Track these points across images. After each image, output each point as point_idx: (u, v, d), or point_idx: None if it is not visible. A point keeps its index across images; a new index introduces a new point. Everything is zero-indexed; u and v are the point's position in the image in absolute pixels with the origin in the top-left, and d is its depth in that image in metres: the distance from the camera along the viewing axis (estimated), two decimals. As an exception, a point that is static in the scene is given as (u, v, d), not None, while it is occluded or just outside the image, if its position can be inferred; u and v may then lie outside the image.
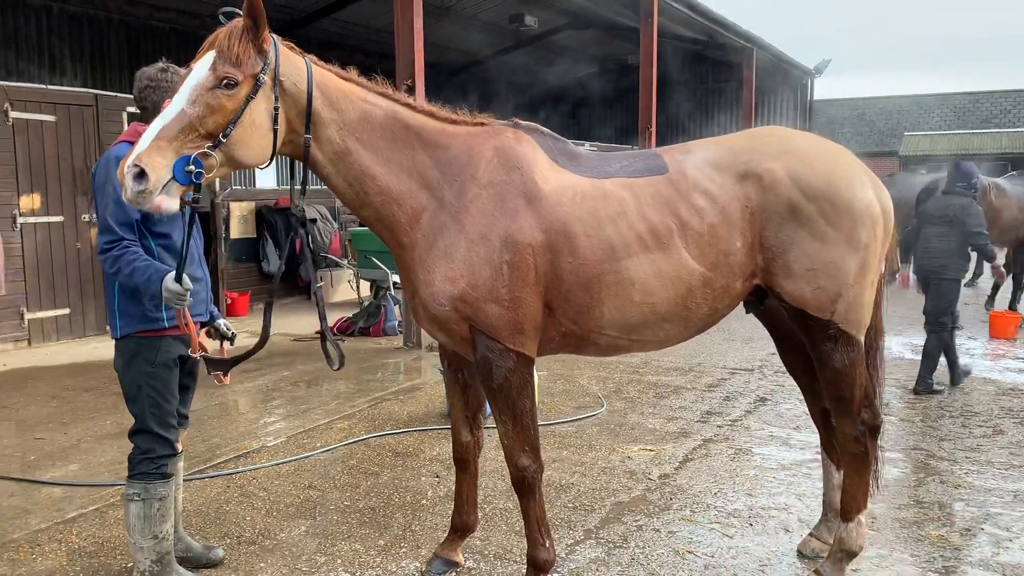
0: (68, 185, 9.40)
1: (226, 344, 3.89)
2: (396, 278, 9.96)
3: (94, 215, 9.39)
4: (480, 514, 4.07)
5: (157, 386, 3.46)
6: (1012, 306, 10.92)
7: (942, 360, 7.13)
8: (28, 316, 9.08)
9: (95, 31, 14.34)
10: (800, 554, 3.93)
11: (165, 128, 2.72)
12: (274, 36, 2.95)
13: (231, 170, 2.99)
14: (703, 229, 3.22)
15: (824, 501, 3.96)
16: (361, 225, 12.85)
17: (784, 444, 5.64)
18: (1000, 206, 10.07)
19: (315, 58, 3.12)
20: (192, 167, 2.68)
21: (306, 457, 5.38)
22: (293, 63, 2.99)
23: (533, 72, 22.86)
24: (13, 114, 8.81)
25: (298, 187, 3.14)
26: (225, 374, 3.53)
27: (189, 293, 3.21)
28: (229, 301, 11.14)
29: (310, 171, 3.14)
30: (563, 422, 6.13)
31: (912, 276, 8.24)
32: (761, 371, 7.92)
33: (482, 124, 3.33)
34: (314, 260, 3.38)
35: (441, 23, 17.04)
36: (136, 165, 2.63)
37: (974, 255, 8.25)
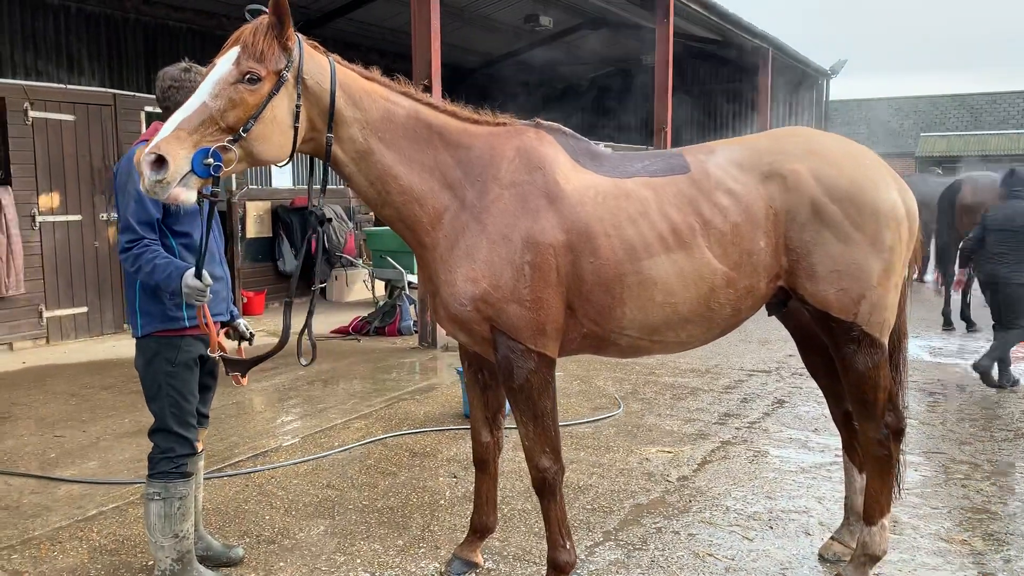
0: (87, 184, 9.46)
1: (244, 344, 3.90)
2: (411, 278, 9.97)
3: (113, 214, 9.47)
4: (498, 515, 4.06)
5: (177, 385, 3.47)
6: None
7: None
8: (47, 314, 9.14)
9: (112, 31, 14.42)
10: (821, 558, 3.90)
11: (186, 120, 2.73)
12: (299, 35, 2.96)
13: (249, 165, 2.99)
14: (726, 228, 3.20)
15: (846, 505, 3.93)
16: (376, 225, 12.90)
17: (803, 446, 5.61)
18: None
19: (339, 57, 3.12)
20: (211, 160, 2.69)
21: (324, 456, 5.39)
22: (317, 62, 3.00)
23: (548, 72, 22.85)
24: (33, 113, 8.87)
25: (317, 186, 3.15)
26: (243, 375, 3.54)
27: (209, 290, 3.22)
28: (245, 300, 11.19)
29: (330, 170, 3.14)
30: (580, 423, 6.12)
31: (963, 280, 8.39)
32: (778, 373, 7.87)
33: (504, 124, 3.32)
34: (327, 260, 3.39)
35: (456, 23, 17.04)
36: (154, 153, 2.64)
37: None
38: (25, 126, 8.82)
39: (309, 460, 5.32)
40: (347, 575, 3.77)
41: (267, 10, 2.86)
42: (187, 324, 3.45)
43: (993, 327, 7.46)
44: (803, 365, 4.07)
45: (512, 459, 5.13)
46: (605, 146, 3.47)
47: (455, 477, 5.01)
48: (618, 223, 3.16)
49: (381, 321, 9.98)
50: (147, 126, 9.67)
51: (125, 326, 9.77)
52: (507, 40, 20.01)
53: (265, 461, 5.31)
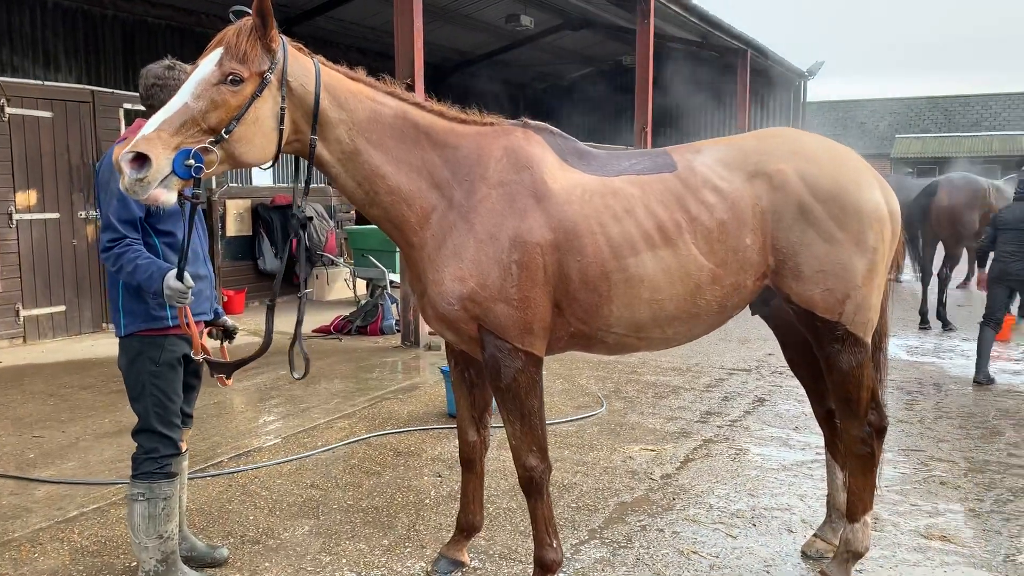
0: (64, 182, 9.35)
1: (227, 344, 3.88)
2: (393, 276, 9.94)
3: (91, 212, 9.38)
4: (484, 514, 4.07)
5: (161, 385, 3.44)
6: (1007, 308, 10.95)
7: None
8: (24, 313, 9.02)
9: (90, 27, 14.25)
10: (804, 555, 3.94)
11: (167, 121, 2.71)
12: (283, 36, 2.95)
13: (232, 167, 2.98)
14: (712, 225, 3.23)
15: (828, 502, 3.97)
16: (358, 223, 12.86)
17: (784, 444, 5.66)
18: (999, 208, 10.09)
19: (323, 59, 3.12)
20: (192, 161, 2.68)
21: (307, 456, 5.37)
22: (301, 64, 2.99)
23: (529, 72, 22.85)
24: (10, 110, 8.75)
25: (301, 186, 3.14)
26: (228, 377, 3.52)
27: (192, 291, 3.19)
28: (225, 299, 11.11)
29: (315, 170, 3.13)
30: (564, 422, 6.13)
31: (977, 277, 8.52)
32: (759, 371, 7.94)
33: (491, 124, 3.33)
34: (308, 259, 3.38)
35: (437, 22, 17.01)
36: (134, 151, 2.62)
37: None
38: (2, 122, 8.70)
39: (293, 460, 5.29)
40: (333, 575, 3.76)
41: (250, 12, 2.85)
42: (171, 323, 3.43)
43: (981, 324, 7.69)
44: (783, 363, 4.12)
45: (497, 457, 5.13)
46: (586, 146, 3.48)
47: (440, 476, 5.01)
48: (605, 221, 3.17)
49: (363, 320, 9.95)
50: (126, 123, 9.61)
51: (104, 325, 9.67)
52: (488, 39, 20.01)
53: (248, 461, 5.28)
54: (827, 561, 3.72)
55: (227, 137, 2.77)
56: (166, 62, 3.50)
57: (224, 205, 11.64)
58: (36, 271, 9.12)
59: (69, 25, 13.96)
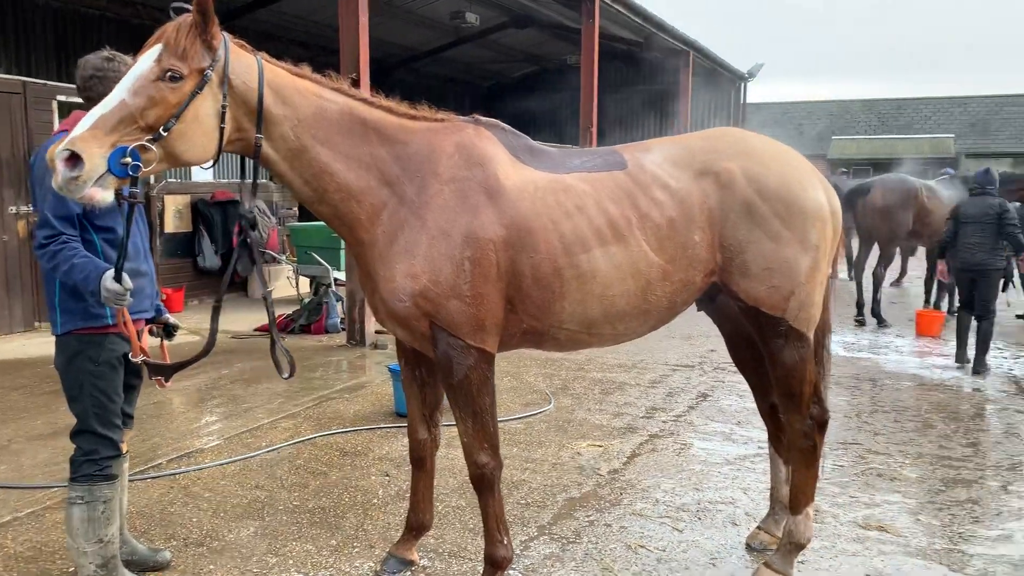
0: (-7, 176, 9.01)
1: (166, 341, 3.78)
2: (338, 274, 9.83)
3: (22, 207, 9.05)
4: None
5: (101, 385, 3.33)
6: (937, 305, 11.35)
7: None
8: (-51, 312, 8.68)
9: (20, 16, 13.74)
10: (749, 547, 4.02)
11: (103, 118, 2.64)
12: (225, 34, 2.90)
13: (171, 166, 2.92)
14: (662, 222, 3.27)
15: (771, 495, 4.06)
16: (300, 219, 12.68)
17: (727, 439, 5.76)
18: (932, 207, 10.43)
19: (267, 55, 3.06)
20: (129, 159, 2.61)
21: (251, 457, 5.28)
22: (243, 61, 2.93)
23: (475, 70, 22.79)
24: (-66, 100, 8.41)
25: (249, 182, 3.08)
26: (167, 379, 3.43)
27: (130, 293, 3.08)
28: (164, 297, 10.77)
29: (260, 169, 3.08)
30: (512, 419, 6.14)
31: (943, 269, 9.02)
32: (701, 367, 8.06)
33: (442, 120, 3.31)
34: (254, 260, 3.31)
35: (380, 17, 16.85)
36: (69, 150, 2.54)
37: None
38: (-75, 113, 8.36)
39: (236, 461, 5.20)
40: (280, 576, 3.71)
41: (191, 8, 2.79)
42: (110, 322, 3.33)
43: (958, 312, 8.26)
44: (726, 359, 4.19)
45: (445, 455, 5.11)
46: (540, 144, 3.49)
47: (388, 476, 4.98)
48: (557, 218, 3.19)
49: (307, 319, 9.82)
50: (60, 116, 9.29)
51: (36, 324, 9.35)
52: (434, 36, 19.90)
53: (190, 462, 5.17)
54: (771, 552, 3.80)
55: (166, 135, 2.71)
56: (104, 53, 3.40)
57: (163, 201, 11.36)
58: (-37, 268, 8.78)
59: (-2, 13, 13.44)
